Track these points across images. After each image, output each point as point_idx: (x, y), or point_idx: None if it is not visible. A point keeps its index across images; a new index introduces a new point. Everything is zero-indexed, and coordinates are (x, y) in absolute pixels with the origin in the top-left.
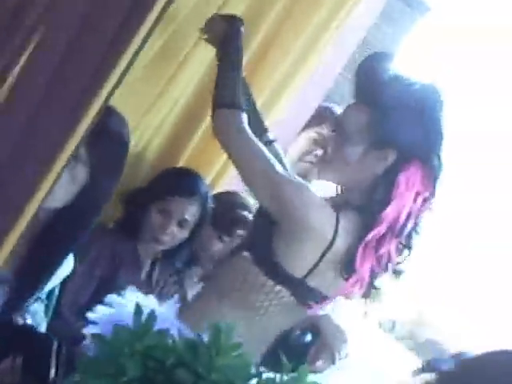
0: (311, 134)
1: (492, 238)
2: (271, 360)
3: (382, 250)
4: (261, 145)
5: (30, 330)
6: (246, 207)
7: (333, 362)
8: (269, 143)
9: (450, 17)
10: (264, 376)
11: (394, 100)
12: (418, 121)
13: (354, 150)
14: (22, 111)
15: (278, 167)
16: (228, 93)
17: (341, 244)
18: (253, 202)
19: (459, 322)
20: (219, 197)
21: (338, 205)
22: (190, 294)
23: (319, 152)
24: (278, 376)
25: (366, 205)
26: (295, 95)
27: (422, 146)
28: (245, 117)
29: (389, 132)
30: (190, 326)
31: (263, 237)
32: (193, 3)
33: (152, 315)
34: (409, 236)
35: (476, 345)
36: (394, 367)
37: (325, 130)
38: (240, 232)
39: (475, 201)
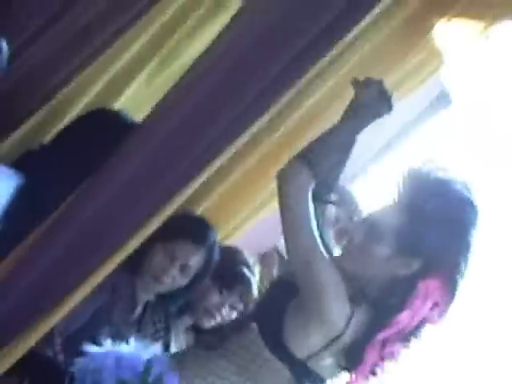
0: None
1: None
2: None
3: (387, 351)
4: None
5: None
6: (248, 266)
7: None
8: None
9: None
10: None
11: (429, 211)
12: (450, 234)
13: (381, 249)
14: None
15: (321, 247)
16: (319, 154)
17: (348, 337)
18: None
19: None
20: (225, 250)
21: (353, 296)
22: (174, 343)
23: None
24: None
25: (380, 303)
26: None
27: (450, 260)
28: (312, 185)
29: (419, 242)
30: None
31: (276, 311)
32: None
33: (160, 378)
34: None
35: None
36: None
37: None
38: (240, 289)
39: None
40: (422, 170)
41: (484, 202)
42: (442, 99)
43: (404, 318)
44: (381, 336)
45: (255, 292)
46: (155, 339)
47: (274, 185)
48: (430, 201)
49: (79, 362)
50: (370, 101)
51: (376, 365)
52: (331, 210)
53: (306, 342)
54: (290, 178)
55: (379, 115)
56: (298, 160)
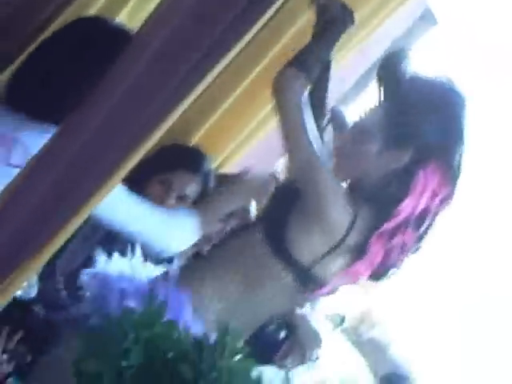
0: None
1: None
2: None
3: (396, 241)
4: (311, 123)
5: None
6: None
7: (302, 362)
8: (322, 128)
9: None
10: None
11: (414, 98)
12: (439, 120)
13: (370, 147)
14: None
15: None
16: (308, 61)
17: (351, 240)
18: None
19: (408, 324)
20: (220, 178)
21: (353, 199)
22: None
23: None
24: None
25: (380, 199)
26: None
27: (442, 145)
28: (307, 89)
29: (408, 131)
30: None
31: (279, 217)
32: None
33: (163, 305)
34: (421, 236)
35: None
36: (334, 361)
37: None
38: (239, 213)
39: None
40: (395, 62)
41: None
42: (427, 18)
43: (406, 206)
44: (384, 228)
45: (253, 216)
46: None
47: (264, 108)
48: (412, 90)
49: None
50: (335, 18)
51: (386, 256)
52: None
53: (309, 248)
54: (287, 83)
55: (345, 30)
56: (292, 66)
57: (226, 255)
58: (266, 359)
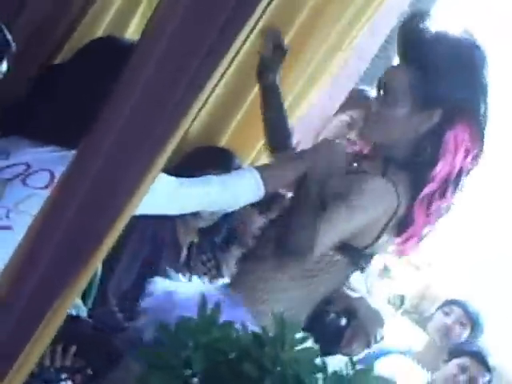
0: (344, 117)
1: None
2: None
3: (435, 205)
4: None
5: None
6: None
7: (368, 346)
8: None
9: None
10: (329, 370)
11: (438, 59)
12: (464, 78)
13: (399, 110)
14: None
15: None
16: (280, 137)
17: (402, 209)
18: None
19: (465, 294)
20: None
21: (385, 169)
22: (226, 273)
23: (352, 135)
24: (343, 370)
25: (412, 163)
26: (329, 80)
27: (469, 103)
28: None
29: (434, 92)
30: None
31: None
32: None
33: (217, 308)
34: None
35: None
36: (400, 341)
37: (358, 114)
38: (278, 205)
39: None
40: (417, 23)
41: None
42: None
43: (441, 170)
44: (424, 192)
45: None
46: (208, 278)
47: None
48: (436, 49)
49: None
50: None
51: (426, 224)
52: None
53: (367, 234)
54: None
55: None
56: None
57: (280, 259)
58: (332, 350)
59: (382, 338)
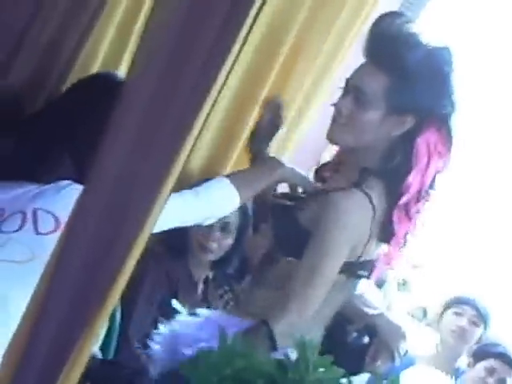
0: None
1: None
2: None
3: (413, 211)
4: None
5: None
6: None
7: (392, 360)
8: None
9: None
10: None
11: (413, 66)
12: (437, 85)
13: (372, 113)
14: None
15: None
16: None
17: (379, 216)
18: None
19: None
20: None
21: (359, 178)
22: None
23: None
24: None
25: (385, 170)
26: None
27: (440, 110)
28: None
29: (408, 97)
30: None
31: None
32: None
33: (237, 338)
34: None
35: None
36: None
37: None
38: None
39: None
40: (389, 25)
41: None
42: None
43: (414, 180)
44: (401, 202)
45: None
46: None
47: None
48: (411, 56)
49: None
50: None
51: (407, 230)
52: None
53: (356, 248)
54: None
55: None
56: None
57: (278, 276)
58: (356, 369)
59: (406, 352)
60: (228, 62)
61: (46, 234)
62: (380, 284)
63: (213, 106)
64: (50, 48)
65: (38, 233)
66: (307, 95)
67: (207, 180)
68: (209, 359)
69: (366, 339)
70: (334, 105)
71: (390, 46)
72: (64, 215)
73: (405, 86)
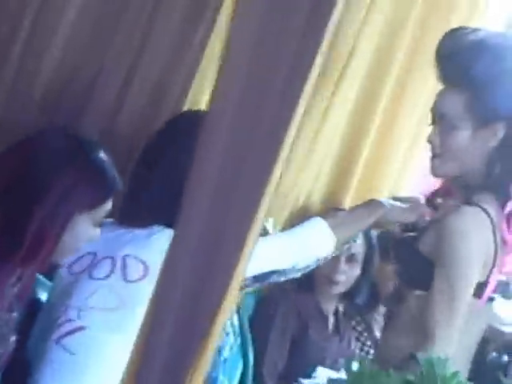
0: None
1: None
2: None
3: None
4: None
5: None
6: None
7: None
8: None
9: None
10: None
11: (485, 72)
12: None
13: (460, 134)
14: None
15: None
16: None
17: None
18: None
19: None
20: None
21: (467, 197)
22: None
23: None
24: None
25: (491, 182)
26: None
27: None
28: None
29: (490, 105)
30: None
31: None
32: None
33: (364, 362)
34: None
35: None
36: None
37: None
38: None
39: None
40: (451, 42)
41: None
42: None
43: None
44: (509, 208)
45: None
46: (361, 343)
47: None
48: (477, 62)
49: None
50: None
51: None
52: None
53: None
54: None
55: None
56: None
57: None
58: None
59: None
60: (309, 82)
61: (135, 281)
62: None
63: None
64: (158, 88)
65: (126, 280)
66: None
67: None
68: None
69: (505, 358)
70: (428, 140)
71: (455, 61)
72: (153, 261)
73: (483, 95)
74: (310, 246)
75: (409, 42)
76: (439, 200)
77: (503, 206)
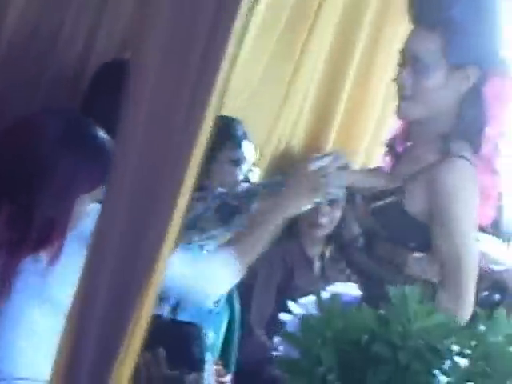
0: None
1: None
2: None
3: (495, 163)
4: None
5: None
6: None
7: None
8: None
9: None
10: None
11: (463, 15)
12: (490, 28)
13: (434, 77)
14: None
15: None
16: None
17: None
18: None
19: None
20: None
21: (445, 147)
22: None
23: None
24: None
25: (464, 129)
26: None
27: (499, 54)
28: None
29: (465, 49)
30: None
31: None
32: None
33: (335, 298)
34: None
35: None
36: None
37: None
38: None
39: None
40: None
41: None
42: None
43: (492, 129)
44: (482, 152)
45: None
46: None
47: None
48: (455, 6)
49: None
50: None
51: (495, 183)
52: None
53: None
54: None
55: None
56: None
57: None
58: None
59: None
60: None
61: None
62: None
63: None
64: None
65: None
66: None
67: None
68: (309, 324)
69: (497, 296)
70: (395, 80)
71: (433, 3)
72: None
73: (459, 38)
74: (210, 281)
75: None
76: (400, 148)
77: (477, 153)
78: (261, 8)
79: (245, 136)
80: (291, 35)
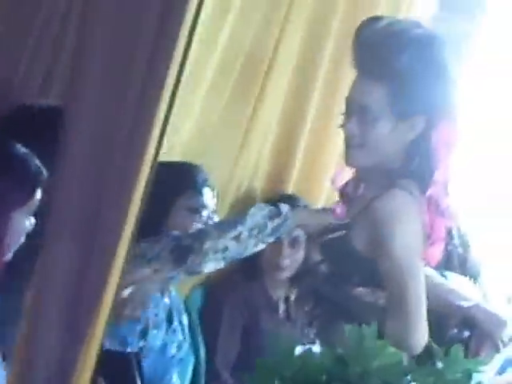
0: None
1: None
2: None
3: (444, 205)
4: None
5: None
6: None
7: (497, 350)
8: None
9: None
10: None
11: (407, 65)
12: (436, 76)
13: (381, 127)
14: None
15: None
16: None
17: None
18: None
19: None
20: None
21: (390, 181)
22: None
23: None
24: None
25: (411, 171)
26: None
27: (446, 100)
28: None
29: (411, 99)
30: None
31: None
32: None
33: (289, 340)
34: None
35: None
36: None
37: None
38: None
39: None
40: (372, 32)
41: None
42: None
43: (440, 173)
44: (428, 194)
45: None
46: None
47: None
48: (399, 56)
49: None
50: None
51: (443, 224)
52: None
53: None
54: None
55: None
56: None
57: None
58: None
59: (510, 339)
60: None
61: None
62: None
63: None
64: None
65: None
66: None
67: None
68: (266, 365)
69: (467, 333)
70: (342, 127)
71: (376, 53)
72: None
73: (404, 89)
74: None
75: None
76: (350, 190)
77: (424, 194)
78: (217, 53)
79: (205, 183)
80: (248, 79)
